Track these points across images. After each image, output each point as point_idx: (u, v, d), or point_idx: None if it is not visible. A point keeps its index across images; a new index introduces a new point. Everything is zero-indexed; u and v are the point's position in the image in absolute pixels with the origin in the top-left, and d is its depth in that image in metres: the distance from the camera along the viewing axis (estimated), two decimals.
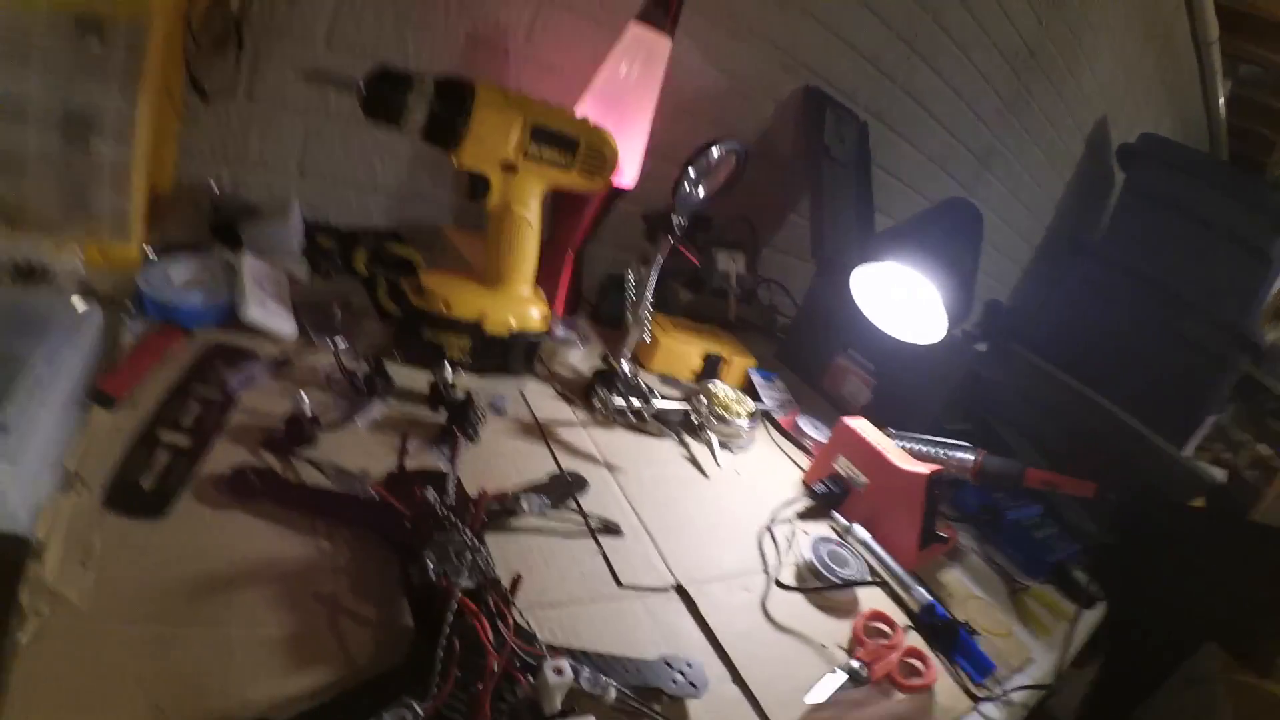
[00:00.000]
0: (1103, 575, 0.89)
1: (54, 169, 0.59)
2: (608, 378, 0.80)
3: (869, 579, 0.67)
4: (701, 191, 0.77)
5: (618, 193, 0.96)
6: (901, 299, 0.93)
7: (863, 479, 0.78)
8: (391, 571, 0.46)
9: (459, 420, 0.61)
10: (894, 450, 0.78)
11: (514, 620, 0.43)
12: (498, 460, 0.63)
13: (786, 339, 1.27)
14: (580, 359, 0.88)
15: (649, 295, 0.79)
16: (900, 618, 0.66)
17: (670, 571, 0.59)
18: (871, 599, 0.67)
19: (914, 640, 0.64)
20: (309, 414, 0.54)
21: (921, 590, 0.68)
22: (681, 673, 0.47)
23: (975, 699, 0.61)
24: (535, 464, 0.65)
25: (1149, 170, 2.03)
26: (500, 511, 0.54)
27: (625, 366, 0.80)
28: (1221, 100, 2.59)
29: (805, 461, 0.88)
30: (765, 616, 0.59)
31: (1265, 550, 1.10)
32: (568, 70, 1.01)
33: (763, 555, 0.67)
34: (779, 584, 0.63)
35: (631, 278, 0.79)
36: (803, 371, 1.18)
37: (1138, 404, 1.31)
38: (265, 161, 0.86)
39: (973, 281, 0.87)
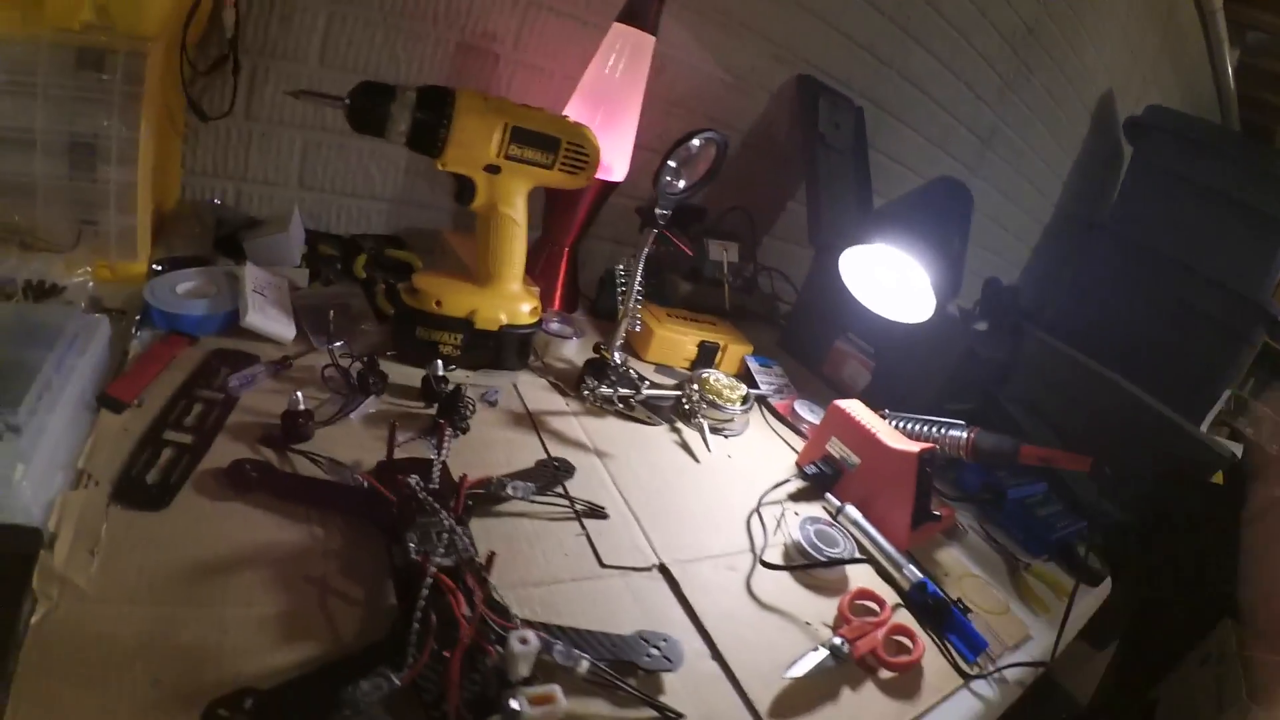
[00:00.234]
0: (1116, 553, 0.88)
1: (63, 194, 0.63)
2: (598, 367, 0.82)
3: (857, 557, 0.68)
4: (682, 182, 0.78)
5: (610, 187, 0.97)
6: (890, 279, 0.93)
7: (855, 459, 0.78)
8: (380, 554, 0.48)
9: (448, 412, 0.64)
10: (886, 430, 0.78)
11: (488, 595, 0.45)
12: (488, 449, 0.65)
13: (788, 326, 1.27)
14: (575, 352, 0.90)
15: (638, 285, 0.81)
16: (891, 596, 0.66)
17: (655, 552, 0.60)
18: (862, 578, 0.68)
19: (904, 618, 0.64)
20: (304, 410, 0.57)
21: (913, 568, 0.68)
22: (657, 648, 0.48)
23: (966, 676, 0.61)
24: (525, 453, 0.67)
25: (1157, 143, 1.99)
26: (486, 497, 0.56)
27: (616, 355, 0.82)
28: (1230, 69, 2.51)
29: (801, 446, 0.89)
30: (750, 595, 0.60)
31: None
32: (557, 72, 1.04)
33: (750, 536, 0.68)
34: (763, 563, 0.63)
35: (622, 269, 0.81)
36: (804, 358, 1.19)
37: (1152, 380, 1.29)
38: (266, 176, 0.90)
39: (962, 259, 0.87)
